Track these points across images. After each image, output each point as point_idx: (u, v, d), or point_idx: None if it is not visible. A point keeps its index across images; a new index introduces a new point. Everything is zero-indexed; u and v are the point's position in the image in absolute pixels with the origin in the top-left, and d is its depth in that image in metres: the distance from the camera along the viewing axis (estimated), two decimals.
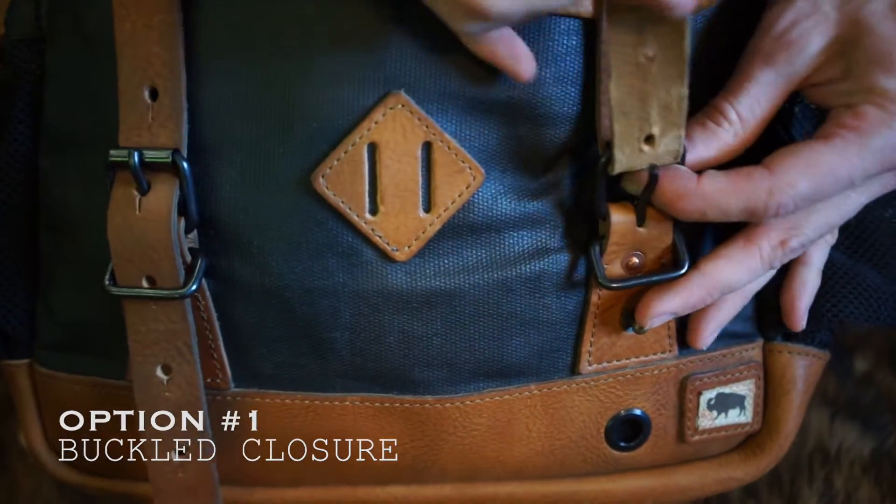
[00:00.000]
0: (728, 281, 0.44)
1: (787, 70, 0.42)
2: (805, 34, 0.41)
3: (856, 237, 0.50)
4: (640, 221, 0.44)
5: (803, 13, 0.41)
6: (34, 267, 0.48)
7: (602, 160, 0.42)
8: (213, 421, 0.47)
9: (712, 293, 0.44)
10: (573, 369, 0.47)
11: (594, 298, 0.46)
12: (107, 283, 0.43)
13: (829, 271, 0.49)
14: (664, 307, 0.44)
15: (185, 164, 0.42)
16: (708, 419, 0.50)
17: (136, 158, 0.41)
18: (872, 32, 0.40)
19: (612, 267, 0.45)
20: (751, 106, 0.42)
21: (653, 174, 0.42)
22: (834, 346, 0.52)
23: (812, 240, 0.44)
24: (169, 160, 0.41)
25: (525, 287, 0.45)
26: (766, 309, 0.50)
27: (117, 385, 0.47)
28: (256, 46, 0.42)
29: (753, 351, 0.50)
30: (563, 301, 0.46)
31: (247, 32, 0.42)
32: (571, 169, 0.44)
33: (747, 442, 0.52)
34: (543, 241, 0.45)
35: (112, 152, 0.42)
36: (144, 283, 0.43)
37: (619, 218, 0.44)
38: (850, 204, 0.44)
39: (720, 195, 0.41)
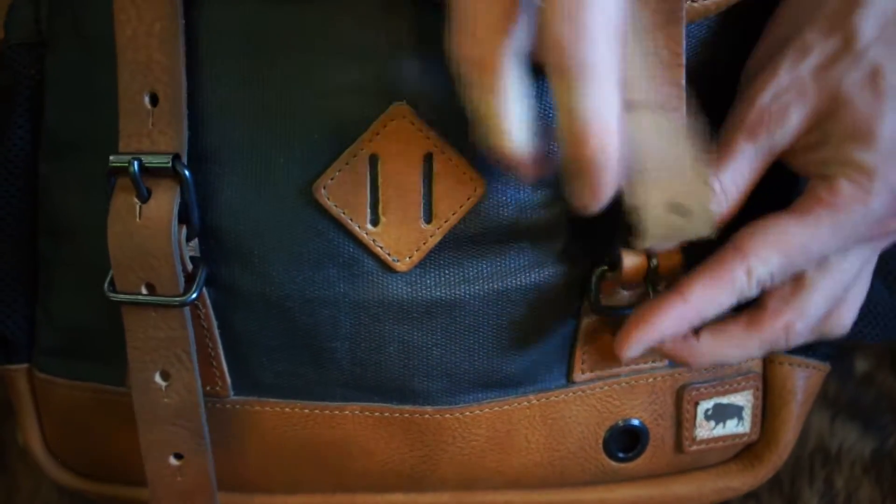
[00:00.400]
0: (723, 357, 0.45)
1: (767, 143, 0.41)
2: (785, 108, 0.41)
3: None
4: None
5: (783, 86, 0.41)
6: (33, 272, 0.48)
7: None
8: (213, 428, 0.47)
9: (704, 364, 0.45)
10: (568, 378, 0.47)
11: (586, 305, 0.46)
12: (106, 289, 0.43)
13: None
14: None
15: (186, 171, 0.41)
16: (706, 429, 0.50)
17: (136, 165, 0.41)
18: (850, 104, 0.40)
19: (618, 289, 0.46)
20: (734, 178, 0.42)
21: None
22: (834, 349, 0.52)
23: (819, 317, 0.44)
24: (169, 166, 0.41)
25: (524, 298, 0.45)
26: None
27: (116, 391, 0.47)
28: (258, 54, 0.41)
29: (753, 361, 0.50)
30: (560, 313, 0.46)
31: (248, 40, 0.41)
32: None
33: (745, 452, 0.52)
34: (543, 253, 0.45)
35: (112, 158, 0.41)
36: (144, 290, 0.43)
37: (631, 261, 0.44)
38: (848, 274, 0.43)
39: (707, 298, 0.42)
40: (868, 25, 0.39)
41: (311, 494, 0.50)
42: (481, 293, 0.44)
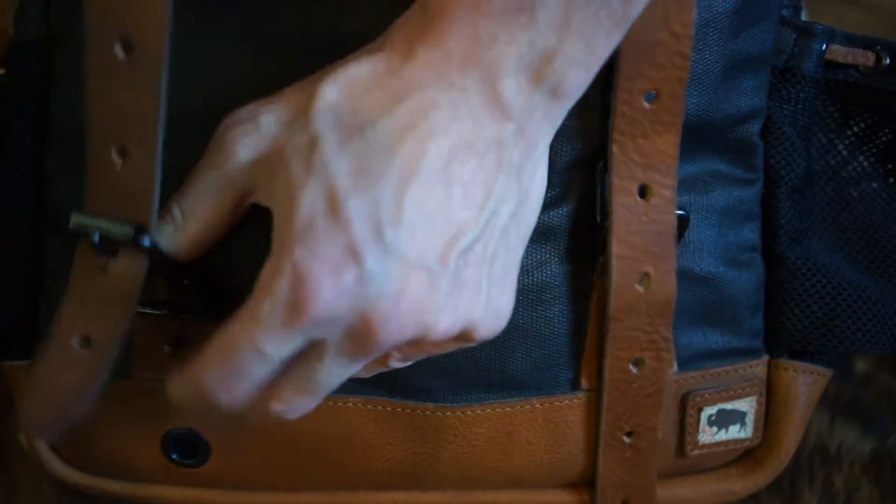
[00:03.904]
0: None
1: (219, 174, 0.39)
2: (235, 141, 0.38)
3: (875, 255, 0.50)
4: None
5: (242, 118, 0.38)
6: (36, 267, 0.48)
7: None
8: (216, 423, 0.47)
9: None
10: (574, 384, 0.47)
11: (594, 312, 0.46)
12: None
13: (846, 293, 0.49)
14: None
15: (147, 243, 0.39)
16: (708, 434, 0.50)
17: (97, 236, 0.40)
18: (286, 167, 0.36)
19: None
20: (193, 205, 0.40)
21: None
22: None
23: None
24: (130, 240, 0.39)
25: (527, 299, 0.45)
26: (774, 325, 0.49)
27: (120, 384, 0.47)
28: (261, 52, 0.41)
29: (758, 368, 0.50)
30: (564, 314, 0.46)
31: (250, 39, 0.41)
32: (577, 182, 0.44)
33: (746, 456, 0.52)
34: (547, 253, 0.45)
35: (74, 218, 0.40)
36: None
37: None
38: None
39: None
40: (330, 91, 0.36)
41: (313, 492, 0.50)
42: None
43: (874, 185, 0.51)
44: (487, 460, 0.48)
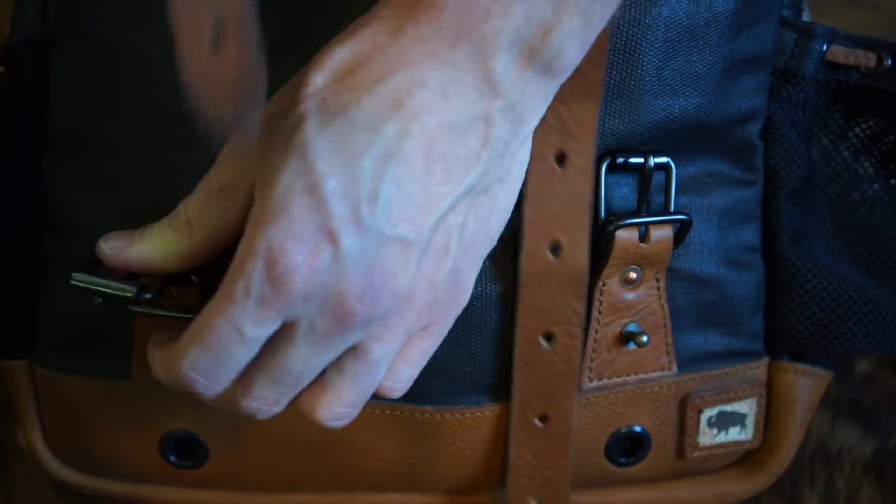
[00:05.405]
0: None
1: (216, 180, 0.39)
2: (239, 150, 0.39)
3: (876, 257, 0.49)
4: (643, 238, 0.44)
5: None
6: (34, 268, 0.48)
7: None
8: (215, 425, 0.47)
9: None
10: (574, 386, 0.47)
11: (595, 314, 0.46)
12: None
13: (847, 295, 0.48)
14: None
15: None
16: (708, 436, 0.49)
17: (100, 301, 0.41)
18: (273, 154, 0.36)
19: (611, 281, 0.45)
20: (198, 211, 0.40)
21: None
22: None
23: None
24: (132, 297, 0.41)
25: None
26: (774, 327, 0.49)
27: (121, 384, 0.47)
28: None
29: (758, 369, 0.50)
30: None
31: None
32: None
33: (747, 458, 0.52)
34: None
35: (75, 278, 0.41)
36: None
37: (624, 234, 0.44)
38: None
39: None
40: (316, 77, 0.35)
41: (312, 493, 0.50)
42: (483, 294, 0.44)
43: (876, 186, 0.51)
44: (487, 462, 0.48)
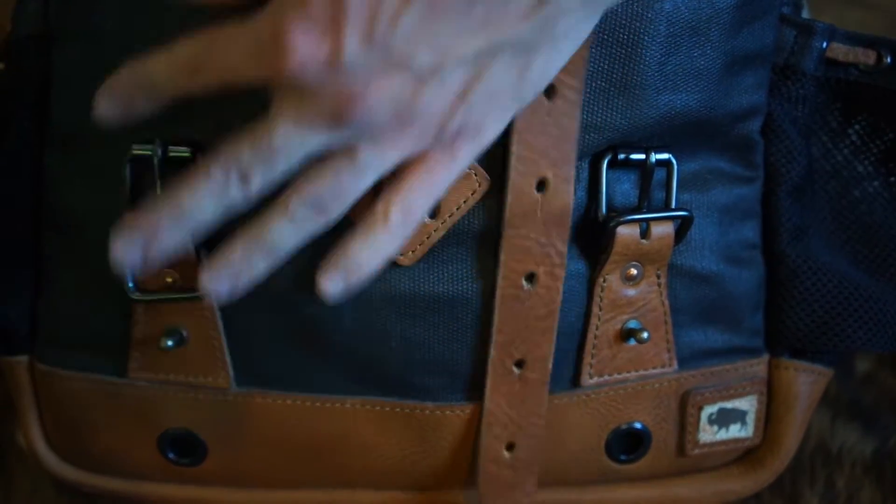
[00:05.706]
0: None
1: None
2: None
3: (876, 254, 0.49)
4: (644, 234, 0.44)
5: None
6: (35, 264, 0.48)
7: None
8: (214, 421, 0.47)
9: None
10: (574, 382, 0.47)
11: (596, 310, 0.46)
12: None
13: (847, 292, 0.48)
14: None
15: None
16: (709, 433, 0.49)
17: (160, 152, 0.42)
18: None
19: (611, 277, 0.45)
20: None
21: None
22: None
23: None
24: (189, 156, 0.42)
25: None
26: (775, 324, 0.49)
27: (119, 382, 0.47)
28: None
29: (759, 366, 0.50)
30: (564, 312, 0.45)
31: None
32: (577, 179, 0.44)
33: (747, 456, 0.52)
34: None
35: (135, 148, 0.42)
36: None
37: (625, 230, 0.44)
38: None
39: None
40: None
41: (312, 490, 0.50)
42: (484, 290, 0.44)
43: (875, 184, 0.51)
44: None
